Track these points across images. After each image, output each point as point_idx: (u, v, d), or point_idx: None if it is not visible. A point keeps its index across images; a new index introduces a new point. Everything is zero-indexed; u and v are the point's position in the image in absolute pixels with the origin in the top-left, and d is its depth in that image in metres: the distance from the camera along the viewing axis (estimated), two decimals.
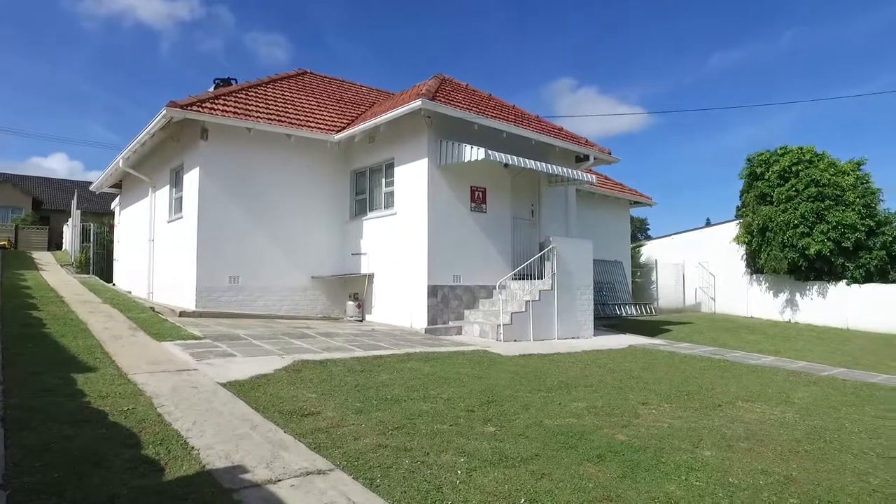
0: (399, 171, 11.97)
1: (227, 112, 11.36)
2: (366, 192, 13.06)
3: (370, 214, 12.82)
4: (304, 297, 12.47)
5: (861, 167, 20.12)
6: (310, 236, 12.75)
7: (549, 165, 12.13)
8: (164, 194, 13.41)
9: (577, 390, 6.57)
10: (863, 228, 18.79)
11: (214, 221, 11.32)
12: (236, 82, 14.85)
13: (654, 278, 24.01)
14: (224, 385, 5.56)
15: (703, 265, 24.40)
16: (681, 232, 26.29)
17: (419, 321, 11.24)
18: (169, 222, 12.98)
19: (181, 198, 12.23)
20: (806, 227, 19.26)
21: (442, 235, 11.40)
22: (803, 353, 12.82)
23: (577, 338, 12.13)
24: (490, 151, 10.68)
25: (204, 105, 11.18)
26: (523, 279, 12.33)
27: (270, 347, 7.72)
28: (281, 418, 4.69)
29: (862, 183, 19.74)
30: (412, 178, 11.60)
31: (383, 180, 12.52)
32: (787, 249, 19.69)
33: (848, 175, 19.70)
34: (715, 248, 23.90)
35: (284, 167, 12.41)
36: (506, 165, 11.94)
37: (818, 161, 20.19)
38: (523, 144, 12.41)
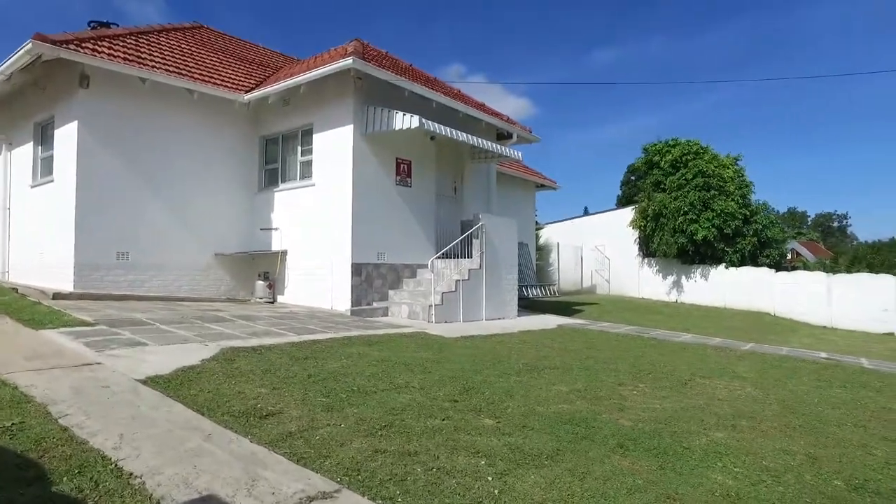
0: (319, 139, 10.79)
1: (115, 56, 9.42)
2: (278, 160, 11.67)
3: (283, 186, 11.49)
4: (207, 277, 10.90)
5: (738, 162, 21.99)
6: (213, 209, 11.15)
7: (481, 140, 11.61)
8: (24, 153, 11.01)
9: (545, 373, 6.12)
10: (740, 217, 20.56)
11: (98, 187, 9.41)
12: (117, 28, 12.58)
13: (551, 260, 24.65)
14: (145, 382, 4.36)
15: (598, 248, 25.48)
16: (577, 216, 27.28)
17: (341, 303, 10.26)
18: (33, 187, 10.68)
19: (51, 157, 10.06)
20: (694, 213, 20.67)
21: (367, 210, 10.47)
22: (706, 329, 13.58)
23: (503, 318, 11.82)
24: (424, 120, 9.91)
25: (85, 44, 9.12)
26: (446, 258, 11.79)
27: (186, 333, 6.43)
28: (236, 422, 3.69)
29: (739, 176, 21.57)
30: (334, 147, 10.50)
31: (299, 148, 11.25)
32: (677, 234, 21.03)
33: (728, 168, 21.41)
34: (610, 232, 25.03)
35: (184, 129, 10.67)
36: (432, 138, 11.27)
37: (703, 153, 21.73)
38: (451, 117, 11.77)
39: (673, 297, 22.52)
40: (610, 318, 14.30)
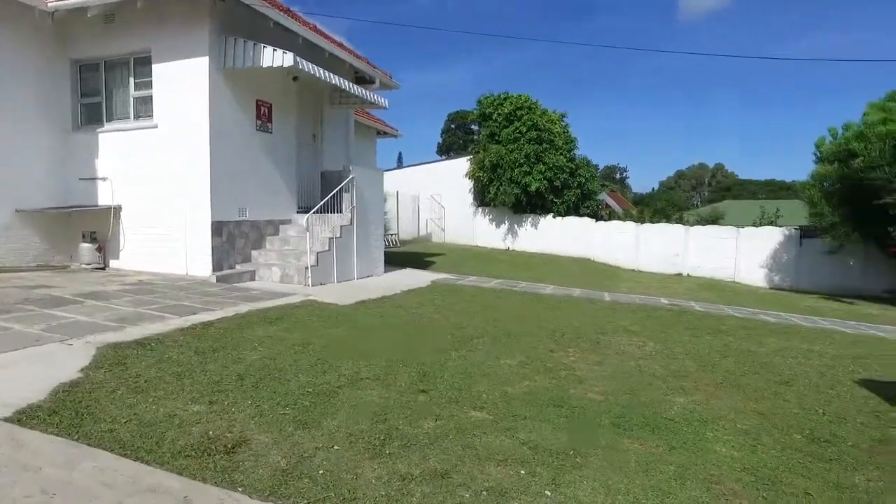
0: (161, 71, 8.76)
1: None
2: (101, 93, 9.25)
3: (110, 125, 9.21)
4: (7, 240, 8.41)
5: (564, 118, 23.60)
6: (9, 151, 8.53)
7: (354, 85, 10.59)
8: None
9: (477, 345, 5.89)
10: (567, 170, 22.34)
11: None
12: None
13: (389, 209, 24.36)
14: (18, 421, 3.09)
15: (434, 198, 25.80)
16: (413, 165, 27.19)
17: (200, 267, 8.78)
18: None
19: None
20: (528, 166, 21.89)
21: (227, 160, 8.95)
22: (555, 278, 14.61)
23: (372, 275, 11.32)
24: (299, 59, 8.63)
25: None
26: (310, 212, 10.83)
27: (29, 329, 4.80)
28: (202, 467, 2.80)
29: (565, 132, 23.27)
30: (184, 83, 8.63)
31: (131, 80, 9.04)
32: (513, 185, 22.15)
33: (556, 123, 22.94)
34: (444, 182, 25.42)
35: None
36: (294, 78, 10.01)
37: (535, 109, 22.93)
38: (316, 56, 10.44)
39: (507, 244, 23.91)
40: (468, 270, 14.60)
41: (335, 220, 10.20)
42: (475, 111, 23.69)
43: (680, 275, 19.10)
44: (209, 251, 8.73)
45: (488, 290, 10.37)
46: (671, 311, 9.47)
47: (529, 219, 23.41)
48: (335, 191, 10.28)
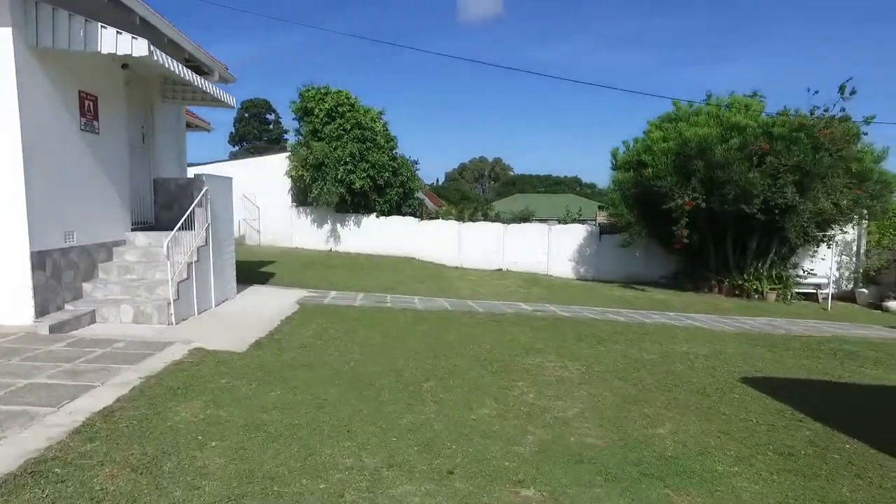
0: None
1: None
2: None
3: None
4: None
5: (382, 116, 23.44)
6: None
7: (202, 79, 8.97)
8: None
9: (428, 392, 5.49)
10: (390, 169, 22.30)
11: None
12: None
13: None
14: None
15: (248, 197, 23.62)
16: (222, 160, 24.49)
17: (17, 314, 6.63)
18: None
19: None
20: (353, 164, 21.30)
21: (47, 168, 6.88)
22: (408, 285, 14.49)
23: (228, 299, 9.94)
24: (154, 49, 6.97)
25: None
26: (147, 229, 9.07)
27: None
28: None
29: (385, 129, 23.17)
30: None
31: None
32: (338, 184, 21.35)
33: (377, 122, 22.72)
34: (258, 179, 23.44)
35: None
36: (124, 66, 8.20)
37: (356, 106, 22.37)
38: (155, 41, 8.62)
39: (329, 246, 23.02)
40: (314, 282, 13.67)
41: (188, 240, 8.61)
42: (296, 104, 22.19)
43: (500, 270, 20.53)
44: (30, 292, 6.65)
45: (369, 311, 9.82)
46: (546, 319, 10.10)
47: (353, 218, 22.89)
48: (191, 209, 8.64)
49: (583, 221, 22.47)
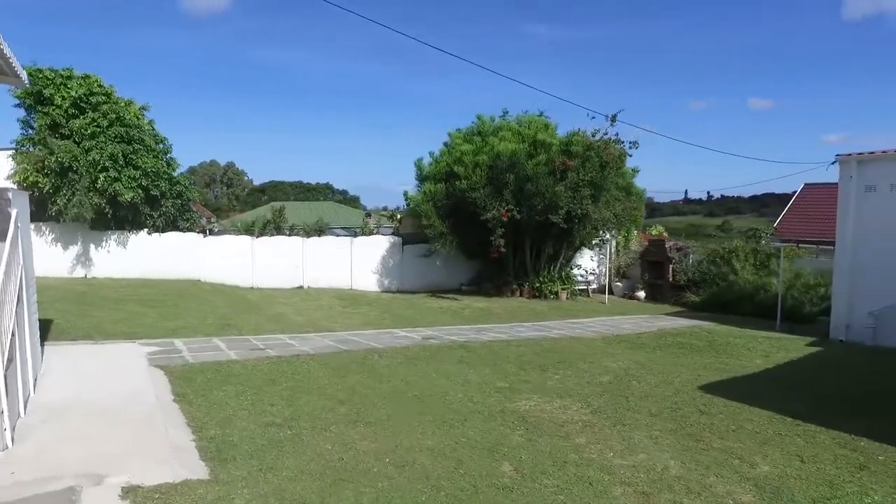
0: None
1: None
2: None
3: None
4: None
5: (145, 112, 19.38)
6: None
7: None
8: None
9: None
10: (166, 177, 18.59)
11: None
12: None
13: None
14: None
15: None
16: None
17: None
18: None
19: None
20: (116, 170, 17.08)
21: None
22: (246, 321, 12.20)
23: (39, 374, 6.92)
24: None
25: None
26: None
27: None
28: None
29: (153, 128, 19.24)
30: None
31: None
32: (96, 195, 16.85)
33: (141, 118, 18.74)
34: None
35: None
36: None
37: (113, 96, 18.07)
38: None
39: (83, 272, 18.07)
40: (122, 329, 10.52)
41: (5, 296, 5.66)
42: (24, 90, 16.66)
43: (302, 288, 18.96)
44: None
45: (264, 368, 7.86)
46: (453, 348, 9.68)
47: (115, 237, 18.47)
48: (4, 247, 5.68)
49: (370, 233, 22.11)
